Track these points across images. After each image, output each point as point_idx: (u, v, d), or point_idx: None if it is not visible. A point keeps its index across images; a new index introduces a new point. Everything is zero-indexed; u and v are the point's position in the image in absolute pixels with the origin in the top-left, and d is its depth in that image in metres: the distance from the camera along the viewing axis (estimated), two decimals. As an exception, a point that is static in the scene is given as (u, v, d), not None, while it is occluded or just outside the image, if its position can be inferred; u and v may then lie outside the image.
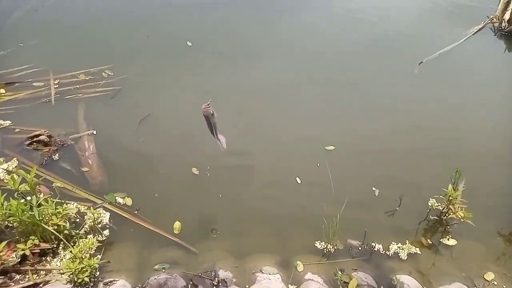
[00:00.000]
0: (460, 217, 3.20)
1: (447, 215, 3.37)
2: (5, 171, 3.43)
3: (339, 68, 4.95)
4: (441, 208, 3.44)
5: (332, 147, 3.93)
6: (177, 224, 3.24)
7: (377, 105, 4.50)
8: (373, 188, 3.61)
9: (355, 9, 6.06)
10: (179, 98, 4.35)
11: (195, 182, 3.62)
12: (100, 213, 3.16)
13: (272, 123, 4.21)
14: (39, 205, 2.78)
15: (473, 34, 5.59)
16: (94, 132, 3.90)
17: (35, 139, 3.67)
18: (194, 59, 4.90)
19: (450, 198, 3.27)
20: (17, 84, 4.33)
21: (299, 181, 3.65)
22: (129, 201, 3.37)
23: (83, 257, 2.73)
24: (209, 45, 5.08)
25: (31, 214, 2.69)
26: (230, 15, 5.75)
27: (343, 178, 3.68)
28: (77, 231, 3.03)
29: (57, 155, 3.66)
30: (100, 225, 3.13)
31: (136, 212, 3.29)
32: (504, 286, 2.98)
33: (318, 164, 3.77)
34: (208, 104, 2.94)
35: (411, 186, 3.65)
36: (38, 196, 2.87)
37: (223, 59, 4.92)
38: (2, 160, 3.53)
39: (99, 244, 2.97)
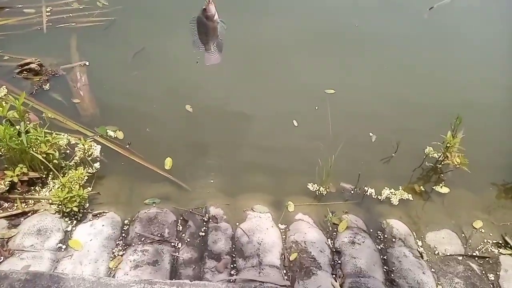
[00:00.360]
0: (456, 163, 3.15)
1: (442, 162, 3.33)
2: (-6, 98, 3.34)
3: (346, 17, 4.68)
4: (437, 156, 3.40)
5: (332, 91, 3.81)
6: (168, 160, 3.20)
7: (381, 53, 4.32)
8: (370, 133, 3.54)
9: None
10: (175, 33, 4.13)
11: (189, 120, 3.54)
12: (91, 145, 3.10)
13: (275, 71, 4.05)
14: (28, 131, 2.72)
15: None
16: (87, 63, 3.78)
17: (25, 67, 3.56)
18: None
19: (448, 145, 3.21)
20: (6, 9, 4.13)
21: (295, 123, 3.57)
22: (120, 135, 3.31)
23: (72, 187, 2.70)
24: None
25: (19, 140, 2.64)
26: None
27: (341, 122, 3.59)
28: (67, 162, 2.99)
29: (48, 85, 3.55)
30: (90, 158, 3.08)
31: (128, 146, 3.24)
32: (490, 234, 2.99)
33: (316, 108, 3.68)
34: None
35: (410, 133, 3.58)
36: (27, 124, 2.80)
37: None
38: (-9, 88, 3.43)
39: (89, 175, 2.94)
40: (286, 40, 4.34)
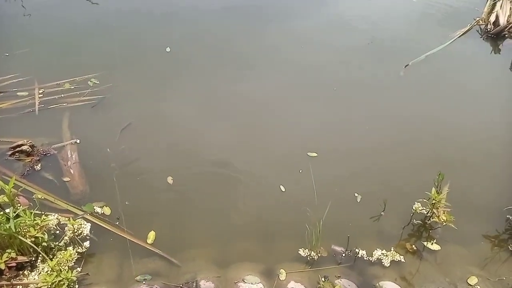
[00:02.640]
0: (442, 220, 3.17)
1: (431, 219, 3.35)
2: (-15, 182, 3.40)
3: (325, 75, 4.93)
4: (425, 212, 3.42)
5: (315, 154, 3.92)
6: (151, 234, 3.22)
7: (361, 110, 4.50)
8: (356, 193, 3.59)
9: (344, 16, 6.07)
10: (160, 107, 4.35)
11: (172, 191, 3.59)
12: (80, 224, 3.12)
13: (257, 132, 4.19)
14: (17, 216, 2.75)
15: (459, 37, 5.60)
16: (78, 141, 3.88)
17: (17, 149, 3.65)
18: (178, 68, 4.89)
19: (434, 202, 3.25)
20: (1, 94, 4.31)
21: (283, 189, 3.63)
22: (107, 210, 3.34)
23: (61, 269, 2.69)
24: (194, 54, 5.11)
25: (8, 227, 2.66)
26: (217, 23, 5.75)
27: (325, 184, 3.66)
28: (57, 243, 3.00)
29: (39, 165, 3.63)
30: (80, 236, 3.09)
31: (117, 222, 3.26)
32: (487, 290, 2.96)
33: (301, 171, 3.75)
34: None
35: (395, 190, 3.64)
36: (17, 207, 2.84)
37: (209, 69, 4.92)
38: (-17, 172, 3.51)
39: (79, 256, 2.94)
40: (267, 98, 4.56)
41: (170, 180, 3.65)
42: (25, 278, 2.78)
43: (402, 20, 6.08)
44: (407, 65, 5.00)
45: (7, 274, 2.75)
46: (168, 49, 5.14)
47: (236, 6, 6.10)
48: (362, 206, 3.53)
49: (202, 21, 5.74)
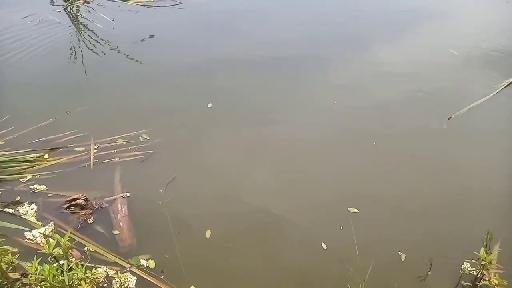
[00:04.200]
0: (494, 284, 3.02)
1: (481, 281, 3.19)
2: (42, 234, 3.65)
3: (366, 126, 4.98)
4: (475, 273, 3.27)
5: (356, 210, 3.89)
6: None
7: (403, 163, 4.45)
8: (399, 252, 3.51)
9: (386, 63, 6.15)
10: (203, 160, 4.55)
11: (212, 244, 3.68)
12: (127, 278, 3.25)
13: (296, 183, 4.26)
14: (70, 269, 2.92)
15: (504, 87, 5.49)
16: (128, 195, 4.10)
17: (72, 202, 3.91)
18: (220, 122, 5.12)
19: (483, 263, 3.11)
20: (60, 149, 4.67)
21: (324, 246, 3.61)
22: (152, 264, 3.46)
23: (108, 323, 2.80)
24: (234, 107, 5.37)
25: (61, 279, 2.83)
26: (256, 74, 6.05)
27: (367, 242, 3.60)
28: (105, 296, 3.13)
29: (92, 218, 3.85)
30: (126, 290, 3.22)
31: (162, 276, 3.36)
32: None
33: (341, 228, 3.73)
34: None
35: (441, 248, 3.51)
36: (70, 260, 3.03)
37: (249, 120, 5.14)
38: (40, 224, 3.77)
39: (124, 310, 3.05)
40: (306, 148, 4.68)
41: (208, 234, 3.76)
42: (74, 331, 2.90)
43: (445, 70, 6.06)
44: (450, 118, 4.94)
45: (57, 325, 2.88)
46: (209, 105, 5.39)
47: (274, 56, 6.39)
48: (407, 265, 3.43)
49: (242, 72, 6.07)
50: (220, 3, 8.19)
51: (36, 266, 2.89)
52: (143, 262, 3.46)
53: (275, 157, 4.60)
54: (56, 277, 2.84)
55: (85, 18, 7.59)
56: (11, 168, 4.35)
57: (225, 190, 4.20)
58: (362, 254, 3.49)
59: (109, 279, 3.29)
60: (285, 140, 4.82)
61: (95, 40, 7.13)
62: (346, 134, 4.88)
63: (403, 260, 3.46)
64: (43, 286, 2.89)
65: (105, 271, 3.32)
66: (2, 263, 2.93)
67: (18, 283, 3.10)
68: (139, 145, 4.73)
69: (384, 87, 5.63)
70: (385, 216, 3.87)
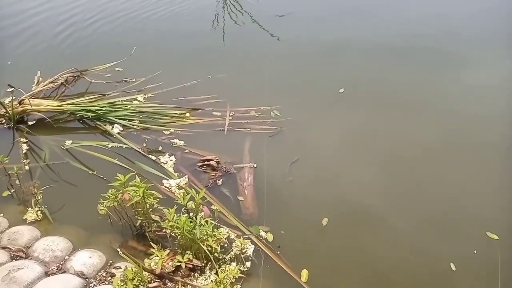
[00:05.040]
0: None
1: None
2: (177, 185, 3.98)
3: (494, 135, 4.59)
4: None
5: (496, 236, 3.53)
6: (304, 272, 3.30)
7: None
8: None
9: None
10: (328, 146, 4.53)
11: (327, 232, 3.67)
12: (246, 244, 3.40)
13: (424, 196, 4.02)
14: (201, 224, 3.15)
15: None
16: (255, 165, 4.25)
17: (206, 163, 4.18)
18: (350, 110, 5.05)
19: None
20: (200, 110, 5.00)
21: (453, 267, 3.36)
22: (270, 237, 3.56)
23: (225, 283, 2.97)
24: (365, 96, 5.27)
25: (193, 232, 3.06)
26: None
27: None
28: (224, 256, 3.32)
29: (221, 180, 4.09)
30: (244, 255, 3.37)
31: (278, 252, 3.45)
32: None
33: (475, 251, 3.43)
34: None
35: None
36: (200, 215, 3.26)
37: (378, 111, 5.03)
38: (176, 175, 4.11)
39: (240, 274, 3.20)
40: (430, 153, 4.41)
41: (325, 221, 3.73)
42: (195, 280, 3.14)
43: None
44: None
45: (182, 272, 3.15)
46: (341, 90, 5.29)
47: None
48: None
49: (376, 58, 5.97)
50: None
51: (174, 214, 3.16)
52: (262, 234, 3.58)
53: (397, 150, 4.48)
54: (189, 228, 3.08)
55: (234, -13, 7.93)
56: (158, 120, 4.79)
57: (346, 181, 4.13)
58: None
59: (229, 240, 3.47)
60: (409, 135, 4.65)
61: (238, 11, 7.42)
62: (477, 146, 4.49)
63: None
64: (176, 233, 3.16)
65: (227, 233, 3.51)
66: (147, 204, 3.26)
67: (154, 224, 3.43)
68: (270, 120, 4.85)
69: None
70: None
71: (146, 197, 3.22)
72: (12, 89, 4.85)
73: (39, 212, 3.66)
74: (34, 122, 4.73)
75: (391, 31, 6.61)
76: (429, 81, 5.51)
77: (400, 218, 3.75)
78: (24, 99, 4.62)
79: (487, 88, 5.32)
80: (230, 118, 4.87)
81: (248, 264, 3.33)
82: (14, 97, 4.73)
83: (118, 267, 3.22)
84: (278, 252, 3.45)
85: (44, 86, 4.99)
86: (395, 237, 3.61)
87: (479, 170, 4.23)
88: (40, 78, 5.16)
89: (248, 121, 4.85)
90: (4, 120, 4.68)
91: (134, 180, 3.27)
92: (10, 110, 4.55)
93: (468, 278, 3.30)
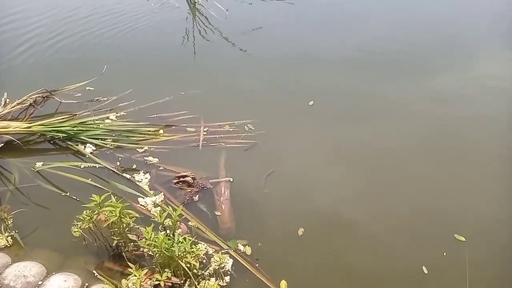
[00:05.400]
0: None
1: None
2: (153, 203, 3.95)
3: (466, 142, 4.81)
4: None
5: (463, 238, 3.67)
6: (283, 283, 3.33)
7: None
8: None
9: (491, 77, 5.81)
10: (301, 157, 4.62)
11: (303, 242, 3.72)
12: (225, 259, 3.41)
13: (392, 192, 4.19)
14: (179, 242, 3.13)
15: None
16: (231, 180, 4.27)
17: (181, 179, 4.17)
18: (321, 122, 5.15)
19: None
20: (173, 127, 5.00)
21: (425, 271, 3.46)
22: (248, 250, 3.58)
23: (206, 298, 2.97)
24: (335, 108, 5.39)
25: (171, 249, 3.05)
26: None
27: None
28: (203, 271, 3.31)
29: (197, 196, 4.08)
30: (222, 270, 3.37)
31: (257, 264, 3.47)
32: None
33: (445, 254, 3.55)
34: None
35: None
36: (178, 232, 3.25)
37: (350, 122, 5.14)
38: (152, 193, 4.08)
39: (220, 288, 3.20)
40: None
41: (301, 231, 3.79)
42: (174, 298, 3.12)
43: None
44: None
45: (161, 290, 3.12)
46: (311, 103, 5.41)
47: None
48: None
49: (344, 70, 6.13)
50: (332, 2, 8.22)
51: (151, 232, 3.14)
52: (241, 247, 3.59)
53: (370, 158, 4.62)
54: (167, 246, 3.06)
55: (201, 5, 8.01)
56: (131, 138, 4.75)
57: (320, 190, 4.21)
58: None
59: (208, 256, 3.46)
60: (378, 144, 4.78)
61: (207, 27, 7.49)
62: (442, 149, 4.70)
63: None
64: (154, 251, 3.13)
65: (205, 248, 3.50)
66: (124, 224, 3.22)
67: (131, 244, 3.40)
68: (244, 134, 4.89)
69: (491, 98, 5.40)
70: (496, 244, 3.60)
71: (122, 216, 3.19)
72: (-22, 112, 4.72)
73: (9, 237, 3.57)
74: (2, 144, 4.59)
75: (358, 42, 6.79)
76: (395, 89, 5.68)
77: (373, 224, 3.85)
78: (-10, 122, 4.50)
79: (449, 93, 5.57)
80: (204, 133, 4.89)
81: (227, 278, 3.33)
82: (-20, 121, 4.61)
83: (94, 290, 3.16)
84: (257, 264, 3.47)
85: (12, 107, 4.89)
86: (369, 243, 3.69)
87: (446, 173, 4.40)
88: (8, 100, 5.05)
89: (222, 135, 4.88)
90: (-30, 144, 4.54)
91: (110, 200, 3.24)
92: (-24, 134, 4.42)
93: (440, 281, 3.39)
